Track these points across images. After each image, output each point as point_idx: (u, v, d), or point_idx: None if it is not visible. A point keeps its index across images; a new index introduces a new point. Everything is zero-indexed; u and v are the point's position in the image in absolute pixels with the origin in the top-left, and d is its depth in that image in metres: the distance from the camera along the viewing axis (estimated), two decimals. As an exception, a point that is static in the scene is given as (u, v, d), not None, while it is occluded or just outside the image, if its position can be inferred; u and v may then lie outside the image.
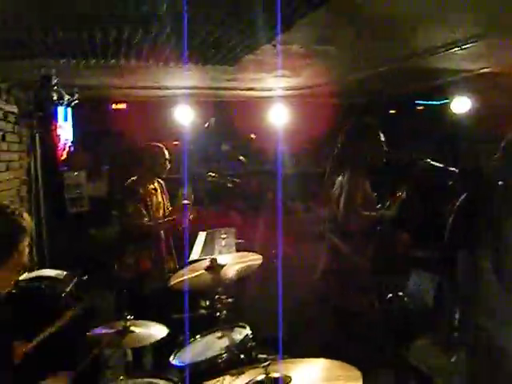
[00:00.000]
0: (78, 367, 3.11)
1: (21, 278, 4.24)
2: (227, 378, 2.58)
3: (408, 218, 4.76)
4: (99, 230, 7.85)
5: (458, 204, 3.63)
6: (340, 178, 4.19)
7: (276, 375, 2.33)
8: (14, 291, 2.99)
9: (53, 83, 5.03)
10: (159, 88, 6.62)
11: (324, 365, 2.47)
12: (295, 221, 7.87)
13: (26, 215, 2.90)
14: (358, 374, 2.29)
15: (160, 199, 5.41)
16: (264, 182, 8.51)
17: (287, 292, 3.78)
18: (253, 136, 8.50)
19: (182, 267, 4.23)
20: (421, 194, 6.41)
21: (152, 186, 5.33)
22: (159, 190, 5.43)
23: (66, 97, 5.57)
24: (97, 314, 5.12)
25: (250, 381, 2.37)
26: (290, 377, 2.32)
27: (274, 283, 3.74)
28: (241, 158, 7.94)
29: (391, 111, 8.75)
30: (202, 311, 5.53)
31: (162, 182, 5.51)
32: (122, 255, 5.18)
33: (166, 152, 5.34)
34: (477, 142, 6.93)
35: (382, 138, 4.28)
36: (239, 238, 6.18)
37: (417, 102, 8.14)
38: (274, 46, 4.34)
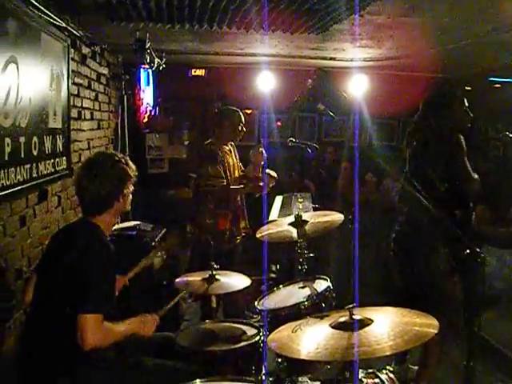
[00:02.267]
0: (163, 310, 3.40)
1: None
2: (311, 319, 2.72)
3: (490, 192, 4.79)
4: (177, 190, 8.12)
5: None
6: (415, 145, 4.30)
7: (358, 317, 2.48)
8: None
9: (146, 47, 5.25)
10: (244, 55, 6.79)
11: (402, 312, 2.64)
12: (369, 192, 8.03)
13: (131, 164, 3.18)
14: (435, 322, 2.43)
15: (235, 160, 5.61)
16: (342, 153, 8.59)
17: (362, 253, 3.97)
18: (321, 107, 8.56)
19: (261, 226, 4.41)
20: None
21: (227, 148, 5.52)
22: (233, 152, 5.61)
23: (156, 60, 5.85)
24: (181, 264, 5.44)
25: (333, 321, 2.54)
26: (371, 319, 2.48)
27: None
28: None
29: (467, 88, 8.68)
30: (272, 275, 5.80)
31: (233, 144, 5.67)
32: (199, 215, 5.39)
33: (243, 117, 5.52)
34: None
35: (466, 105, 4.31)
36: (315, 203, 6.37)
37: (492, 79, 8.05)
38: (362, 16, 4.46)
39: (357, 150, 7.68)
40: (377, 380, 3.20)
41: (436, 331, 2.34)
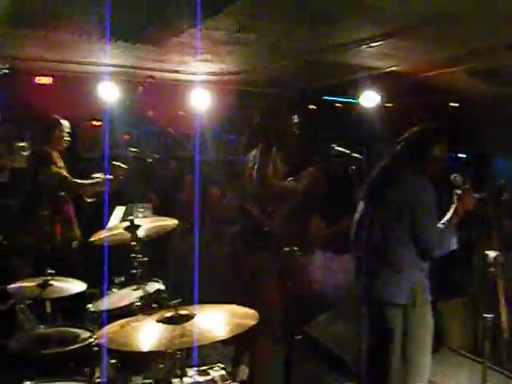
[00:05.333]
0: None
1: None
2: (140, 316, 2.85)
3: (316, 198, 5.05)
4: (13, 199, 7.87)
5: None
6: (254, 152, 4.49)
7: (183, 312, 2.63)
8: None
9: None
10: (88, 63, 6.72)
11: (229, 307, 2.83)
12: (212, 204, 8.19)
13: None
14: (254, 313, 2.66)
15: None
16: (185, 167, 8.68)
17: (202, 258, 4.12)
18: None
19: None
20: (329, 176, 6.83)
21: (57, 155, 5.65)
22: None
23: (-2, 66, 5.73)
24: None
25: (160, 316, 2.67)
26: (194, 314, 2.64)
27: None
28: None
29: (311, 106, 9.09)
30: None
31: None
32: (36, 223, 5.39)
33: (65, 125, 5.59)
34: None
35: (296, 120, 4.56)
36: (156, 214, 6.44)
37: (328, 97, 8.53)
38: (200, 30, 4.62)
39: (199, 164, 7.81)
40: (209, 377, 3.34)
41: (255, 322, 2.56)
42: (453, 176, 3.82)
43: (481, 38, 4.74)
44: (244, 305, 2.79)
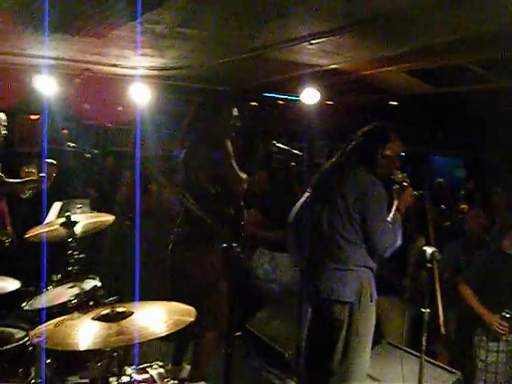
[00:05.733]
0: None
1: None
2: (75, 314, 2.79)
3: (258, 193, 5.05)
4: None
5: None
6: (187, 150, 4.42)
7: (120, 310, 2.61)
8: None
9: None
10: (26, 55, 6.54)
11: (167, 304, 2.81)
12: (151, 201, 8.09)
13: None
14: (192, 310, 2.67)
15: None
16: (123, 162, 8.57)
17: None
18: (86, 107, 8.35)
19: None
20: (270, 173, 6.85)
21: None
22: None
23: None
24: None
25: (97, 314, 2.63)
26: (132, 311, 2.62)
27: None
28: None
29: (253, 103, 9.10)
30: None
31: None
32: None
33: (1, 118, 5.40)
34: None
35: (235, 113, 4.45)
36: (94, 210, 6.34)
37: (270, 94, 8.55)
38: (140, 24, 4.56)
39: (139, 159, 7.71)
40: (147, 375, 3.30)
41: (193, 319, 2.55)
42: (395, 173, 3.87)
43: (419, 37, 4.82)
44: (187, 302, 2.78)
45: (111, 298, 2.62)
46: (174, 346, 4.86)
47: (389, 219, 3.73)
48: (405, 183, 3.85)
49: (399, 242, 3.72)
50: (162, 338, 2.47)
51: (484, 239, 5.57)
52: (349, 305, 3.64)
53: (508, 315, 4.48)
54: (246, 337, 5.60)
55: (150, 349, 4.86)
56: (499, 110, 8.94)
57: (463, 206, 8.47)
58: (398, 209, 3.80)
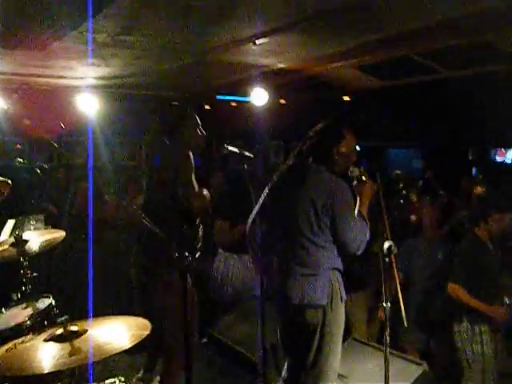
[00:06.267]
0: None
1: None
2: (29, 336, 2.72)
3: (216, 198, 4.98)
4: None
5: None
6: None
7: (73, 328, 2.54)
8: None
9: None
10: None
11: (123, 319, 2.76)
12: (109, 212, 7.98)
13: None
14: (147, 323, 2.65)
15: None
16: (76, 174, 8.43)
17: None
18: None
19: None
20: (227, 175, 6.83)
21: None
22: None
23: None
24: None
25: (49, 334, 2.56)
26: (86, 329, 2.56)
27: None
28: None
29: (206, 107, 9.07)
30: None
31: None
32: None
33: None
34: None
35: (198, 122, 4.41)
36: (49, 225, 6.22)
37: (222, 97, 8.53)
38: (82, 33, 4.48)
39: (92, 170, 7.60)
40: (110, 391, 3.22)
41: (148, 332, 2.50)
42: (352, 169, 3.84)
43: (367, 33, 4.84)
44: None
45: (63, 318, 2.54)
46: (143, 356, 4.83)
47: (356, 216, 3.69)
48: (364, 177, 3.84)
49: (368, 237, 3.70)
50: (126, 351, 2.45)
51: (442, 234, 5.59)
52: (321, 308, 3.60)
53: (509, 301, 4.49)
54: (211, 343, 5.54)
55: (116, 362, 4.79)
56: (451, 99, 9.10)
57: (412, 195, 8.51)
58: (361, 204, 3.77)
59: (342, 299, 3.69)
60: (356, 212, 3.72)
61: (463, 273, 4.60)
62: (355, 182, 3.85)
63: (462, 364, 4.70)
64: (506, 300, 4.47)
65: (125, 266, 5.08)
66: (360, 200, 3.79)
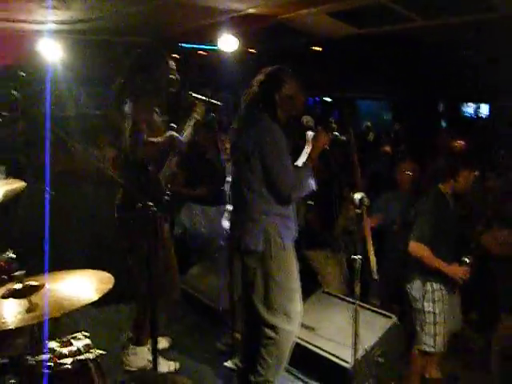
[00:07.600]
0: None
1: None
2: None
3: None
4: None
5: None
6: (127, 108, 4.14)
7: (32, 283, 2.46)
8: None
9: None
10: None
11: (84, 273, 2.66)
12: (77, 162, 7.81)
13: None
14: (110, 277, 2.58)
15: None
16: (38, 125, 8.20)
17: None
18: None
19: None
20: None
21: None
22: None
23: None
24: None
25: (7, 290, 2.45)
26: (43, 284, 2.47)
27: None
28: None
29: (174, 55, 8.82)
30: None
31: None
32: None
33: None
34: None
35: (173, 66, 4.31)
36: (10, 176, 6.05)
37: (189, 45, 8.32)
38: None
39: (57, 120, 7.37)
40: (73, 348, 3.12)
41: (111, 286, 2.40)
42: (303, 118, 3.84)
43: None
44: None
45: (18, 273, 2.41)
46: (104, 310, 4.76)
47: (299, 163, 3.77)
48: (319, 127, 3.82)
49: (312, 187, 3.73)
50: (92, 304, 2.39)
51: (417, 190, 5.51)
52: (257, 254, 3.66)
53: (468, 260, 4.43)
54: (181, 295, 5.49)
55: (82, 316, 4.68)
56: (424, 52, 9.00)
57: (386, 147, 8.50)
58: (310, 154, 3.78)
59: (284, 247, 3.69)
60: (301, 160, 3.80)
61: (429, 231, 4.44)
62: (308, 132, 3.84)
63: (414, 321, 4.65)
64: (466, 259, 4.42)
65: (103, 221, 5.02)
66: (311, 148, 3.79)
